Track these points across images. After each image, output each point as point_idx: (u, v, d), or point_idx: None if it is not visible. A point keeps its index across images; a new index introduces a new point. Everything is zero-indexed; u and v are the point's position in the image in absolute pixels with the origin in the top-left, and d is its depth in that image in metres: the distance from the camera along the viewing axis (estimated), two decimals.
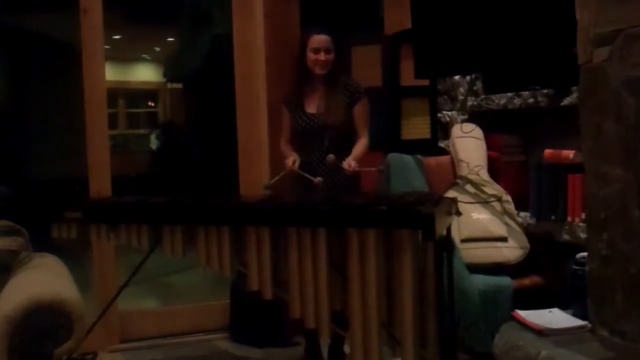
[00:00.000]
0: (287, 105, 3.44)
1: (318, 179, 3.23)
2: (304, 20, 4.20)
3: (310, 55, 3.29)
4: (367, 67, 4.44)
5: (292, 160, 3.29)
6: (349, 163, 3.20)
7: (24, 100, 9.86)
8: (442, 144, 4.12)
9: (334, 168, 3.22)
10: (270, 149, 4.12)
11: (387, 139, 4.36)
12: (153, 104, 14.13)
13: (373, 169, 3.28)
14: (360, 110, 3.35)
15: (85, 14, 3.95)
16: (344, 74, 3.50)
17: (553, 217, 3.22)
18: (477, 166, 3.60)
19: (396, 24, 4.47)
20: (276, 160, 3.82)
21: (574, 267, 2.71)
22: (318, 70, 3.31)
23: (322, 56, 3.27)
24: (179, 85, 13.14)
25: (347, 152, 3.29)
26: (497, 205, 3.43)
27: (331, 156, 3.21)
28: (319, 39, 3.28)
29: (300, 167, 3.30)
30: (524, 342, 2.49)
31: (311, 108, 3.36)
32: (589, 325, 2.50)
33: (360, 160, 3.29)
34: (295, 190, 3.36)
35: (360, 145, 3.33)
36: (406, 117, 4.47)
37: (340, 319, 2.46)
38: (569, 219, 3.12)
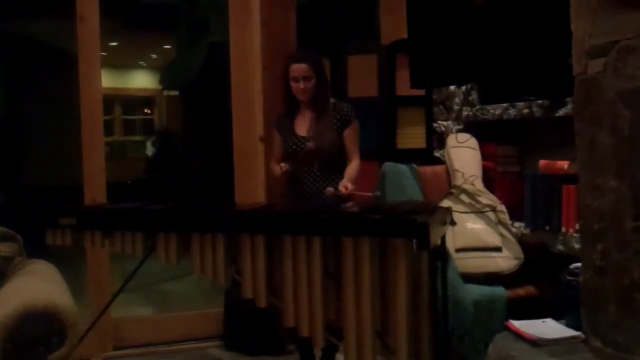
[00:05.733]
0: (277, 129, 3.48)
1: (329, 190, 3.23)
2: (300, 29, 4.22)
3: (292, 84, 3.34)
4: (363, 76, 4.46)
5: (283, 165, 3.32)
6: (345, 185, 3.21)
7: (20, 107, 9.85)
8: (437, 154, 4.14)
9: (334, 199, 3.20)
10: (265, 157, 4.12)
11: (383, 148, 4.37)
12: (149, 111, 14.14)
13: (369, 194, 3.26)
14: (351, 134, 3.37)
15: (82, 20, 3.96)
16: (335, 97, 3.53)
17: (547, 228, 3.23)
18: (472, 176, 3.61)
19: (392, 33, 4.50)
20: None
21: (568, 277, 2.71)
22: (300, 97, 3.36)
23: (301, 85, 3.32)
24: (175, 93, 13.16)
25: (336, 174, 3.31)
26: (491, 215, 3.44)
27: (330, 189, 3.22)
28: (296, 69, 3.32)
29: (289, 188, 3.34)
30: (517, 352, 2.49)
31: (301, 131, 3.39)
32: (583, 335, 2.50)
33: (355, 181, 3.28)
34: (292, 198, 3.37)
35: (353, 167, 3.34)
36: (402, 126, 4.48)
37: (334, 328, 2.45)
38: (563, 229, 3.13)
